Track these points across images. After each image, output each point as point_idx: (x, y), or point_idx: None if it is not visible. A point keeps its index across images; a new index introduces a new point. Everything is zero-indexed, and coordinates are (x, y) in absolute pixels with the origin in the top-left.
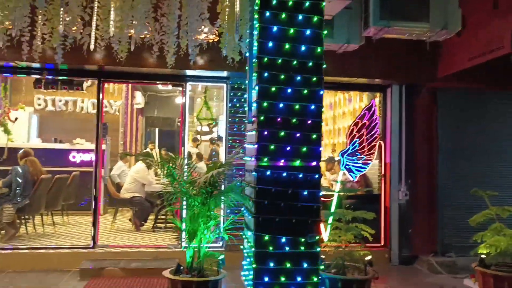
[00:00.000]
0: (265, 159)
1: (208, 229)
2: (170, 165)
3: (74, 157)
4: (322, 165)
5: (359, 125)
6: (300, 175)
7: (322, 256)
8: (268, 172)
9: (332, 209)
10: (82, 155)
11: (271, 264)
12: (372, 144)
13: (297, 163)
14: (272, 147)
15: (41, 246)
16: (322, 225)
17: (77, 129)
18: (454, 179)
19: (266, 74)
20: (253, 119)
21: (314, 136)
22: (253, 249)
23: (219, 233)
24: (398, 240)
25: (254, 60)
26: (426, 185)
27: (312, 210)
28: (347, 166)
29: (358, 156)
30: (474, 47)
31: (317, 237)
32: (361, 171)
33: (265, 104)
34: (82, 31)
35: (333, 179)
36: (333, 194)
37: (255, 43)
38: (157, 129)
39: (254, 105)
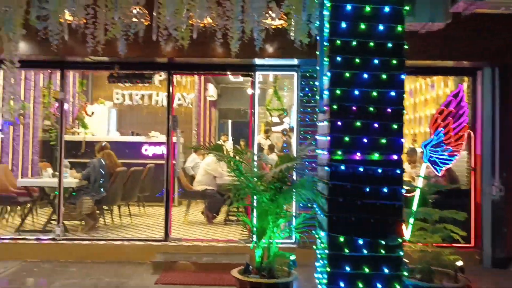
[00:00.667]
0: (339, 152)
1: (278, 227)
2: (237, 158)
3: (146, 150)
4: (403, 157)
5: (444, 113)
6: (379, 170)
7: (405, 260)
8: (343, 167)
9: (414, 207)
10: (154, 148)
11: (347, 268)
12: (460, 134)
13: (376, 156)
14: (346, 139)
15: (117, 237)
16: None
17: (152, 122)
18: None
19: (339, 59)
20: (325, 108)
21: (395, 126)
22: (326, 251)
23: (290, 232)
24: (491, 240)
25: (325, 43)
26: None
27: (393, 209)
28: (431, 159)
29: (444, 147)
30: None
31: (400, 240)
32: (447, 164)
33: (338, 91)
34: (143, 20)
35: (414, 173)
36: (414, 190)
37: (326, 25)
38: (229, 121)
39: (326, 93)
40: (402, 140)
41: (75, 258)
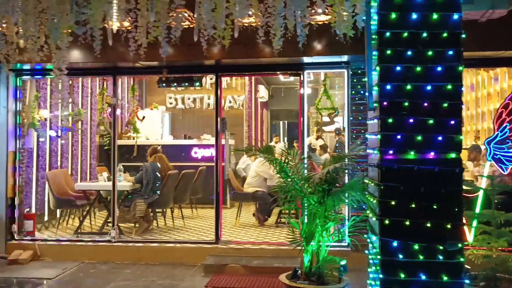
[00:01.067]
0: (391, 152)
1: (327, 231)
2: (282, 160)
3: (196, 152)
4: (464, 155)
5: (510, 107)
6: (436, 170)
7: (467, 266)
8: (395, 167)
9: (477, 209)
10: (204, 150)
11: (402, 275)
12: None
13: (431, 155)
14: (398, 137)
15: (169, 240)
16: (466, 228)
17: (204, 125)
18: None
19: (388, 52)
20: (375, 105)
21: (452, 122)
22: (379, 257)
23: (339, 236)
24: None
25: (373, 36)
26: None
27: (452, 212)
28: (495, 156)
29: (509, 143)
30: None
31: (460, 245)
32: None
33: (388, 86)
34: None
35: (477, 172)
36: (477, 190)
37: (374, 16)
38: (281, 122)
39: (375, 89)
40: (461, 137)
41: (130, 259)
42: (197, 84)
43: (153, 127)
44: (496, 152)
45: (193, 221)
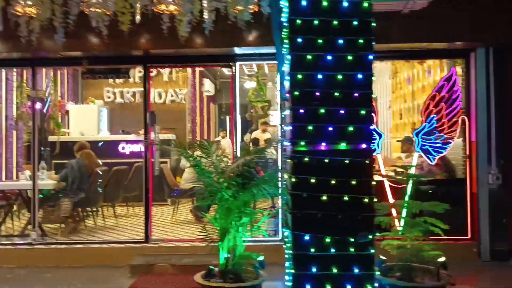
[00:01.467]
0: (302, 143)
1: (244, 226)
2: (195, 153)
3: (129, 148)
4: (398, 146)
5: (437, 98)
6: (347, 161)
7: (383, 258)
8: (306, 159)
9: (406, 198)
10: (138, 146)
11: (314, 269)
12: (453, 120)
13: (342, 146)
14: (310, 127)
15: (96, 240)
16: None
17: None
18: None
19: (299, 40)
20: (287, 95)
21: (363, 112)
22: (290, 251)
23: (255, 231)
24: (489, 231)
25: (284, 23)
26: None
27: (362, 203)
28: (423, 147)
29: (437, 134)
30: None
31: (371, 236)
32: (441, 152)
33: (299, 76)
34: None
35: (409, 163)
36: (407, 181)
37: (285, 3)
38: (227, 117)
39: (287, 78)
40: (372, 126)
41: (52, 263)
42: (125, 76)
43: (89, 122)
44: (424, 143)
45: (126, 220)
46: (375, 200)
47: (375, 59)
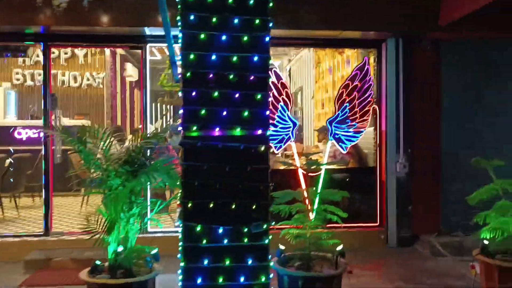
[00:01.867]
0: (194, 128)
1: (135, 217)
2: (83, 139)
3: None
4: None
5: (350, 87)
6: (241, 147)
7: (282, 247)
8: (199, 144)
9: (319, 186)
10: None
11: (205, 262)
12: (365, 109)
13: (237, 131)
14: (203, 111)
15: None
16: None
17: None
18: (462, 147)
19: (192, 17)
20: (180, 76)
21: (258, 96)
22: (181, 243)
23: (145, 222)
24: (396, 218)
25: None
26: (428, 155)
27: (257, 192)
28: (336, 136)
29: (349, 123)
30: None
31: (265, 226)
32: (353, 141)
33: (192, 56)
34: None
35: (325, 151)
36: (320, 168)
37: None
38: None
39: (179, 58)
40: (268, 112)
41: None
42: (23, 55)
43: None
44: (337, 132)
45: (30, 212)
46: (272, 187)
47: (288, 45)
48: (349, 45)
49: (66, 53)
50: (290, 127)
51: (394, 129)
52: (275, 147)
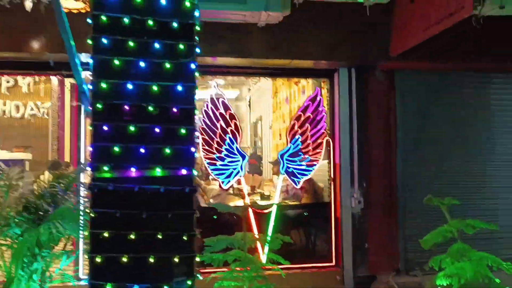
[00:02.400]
0: (106, 168)
1: (39, 274)
2: None
3: None
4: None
5: (302, 119)
6: (162, 190)
7: None
8: (111, 187)
9: (271, 225)
10: None
11: None
12: (318, 141)
13: (157, 171)
14: (116, 149)
15: None
16: (259, 246)
17: None
18: (418, 180)
19: (105, 41)
20: (90, 108)
21: (182, 131)
22: None
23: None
24: (352, 257)
25: (88, 20)
26: (383, 189)
27: (181, 242)
28: (288, 170)
29: (302, 156)
30: (430, 13)
31: (190, 282)
32: (306, 175)
33: (104, 85)
34: None
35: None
36: (271, 205)
37: None
38: None
39: (90, 87)
40: (193, 149)
41: None
42: None
43: None
44: (289, 165)
45: None
46: (199, 235)
47: (237, 74)
48: (301, 75)
49: (8, 82)
50: (239, 160)
51: (348, 162)
52: (223, 182)
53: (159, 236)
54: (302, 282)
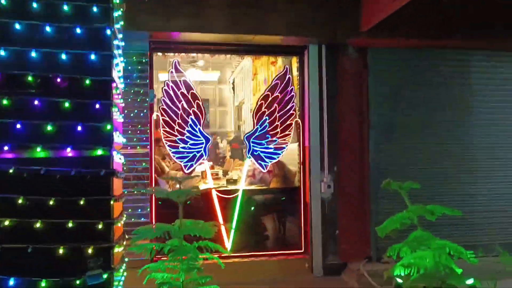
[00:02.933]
0: (6, 148)
1: None
2: None
3: None
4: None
5: (269, 99)
6: (72, 173)
7: None
8: (11, 170)
9: (236, 210)
10: None
11: None
12: (287, 123)
13: (67, 152)
14: (18, 126)
15: None
16: (224, 233)
17: None
18: (391, 162)
19: (3, 1)
20: None
21: (97, 106)
22: None
23: None
24: (322, 245)
25: None
26: (355, 173)
27: (95, 231)
28: (255, 153)
29: (269, 139)
30: None
31: (106, 275)
32: (274, 158)
33: (2, 53)
34: None
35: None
36: (236, 190)
37: None
38: None
39: None
40: (110, 126)
41: None
42: None
43: None
44: (256, 149)
45: None
46: (117, 224)
47: (198, 51)
48: (269, 52)
49: None
50: (202, 143)
51: (318, 144)
52: (185, 166)
53: (70, 225)
54: (269, 270)
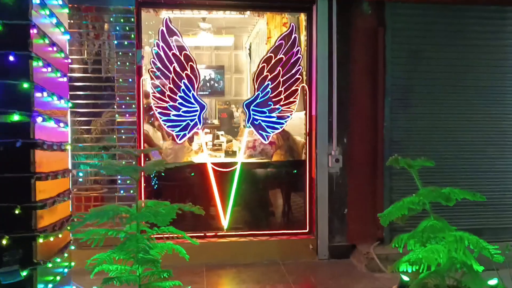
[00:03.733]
0: None
1: None
2: None
3: None
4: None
5: (272, 61)
6: None
7: None
8: None
9: (234, 185)
10: None
11: None
12: (292, 88)
13: None
14: None
15: None
16: (221, 209)
17: None
18: (409, 135)
19: None
20: None
21: (10, 58)
22: None
23: None
24: (328, 224)
25: None
26: (367, 146)
27: (10, 217)
28: (255, 122)
29: (271, 107)
30: None
31: (25, 272)
32: (277, 129)
33: None
34: None
35: None
36: (235, 163)
37: None
38: None
39: None
40: (27, 85)
41: None
42: None
43: None
44: (256, 117)
45: None
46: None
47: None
48: (274, 8)
49: None
50: (197, 110)
51: (326, 113)
52: (178, 135)
53: None
54: (268, 251)
